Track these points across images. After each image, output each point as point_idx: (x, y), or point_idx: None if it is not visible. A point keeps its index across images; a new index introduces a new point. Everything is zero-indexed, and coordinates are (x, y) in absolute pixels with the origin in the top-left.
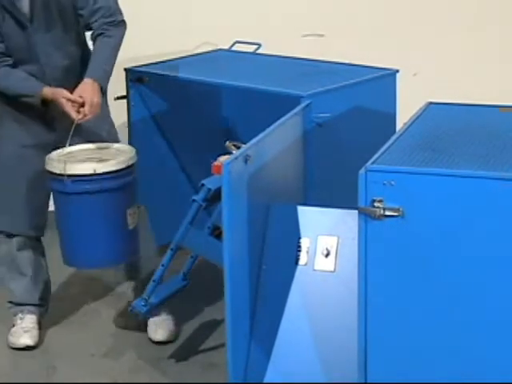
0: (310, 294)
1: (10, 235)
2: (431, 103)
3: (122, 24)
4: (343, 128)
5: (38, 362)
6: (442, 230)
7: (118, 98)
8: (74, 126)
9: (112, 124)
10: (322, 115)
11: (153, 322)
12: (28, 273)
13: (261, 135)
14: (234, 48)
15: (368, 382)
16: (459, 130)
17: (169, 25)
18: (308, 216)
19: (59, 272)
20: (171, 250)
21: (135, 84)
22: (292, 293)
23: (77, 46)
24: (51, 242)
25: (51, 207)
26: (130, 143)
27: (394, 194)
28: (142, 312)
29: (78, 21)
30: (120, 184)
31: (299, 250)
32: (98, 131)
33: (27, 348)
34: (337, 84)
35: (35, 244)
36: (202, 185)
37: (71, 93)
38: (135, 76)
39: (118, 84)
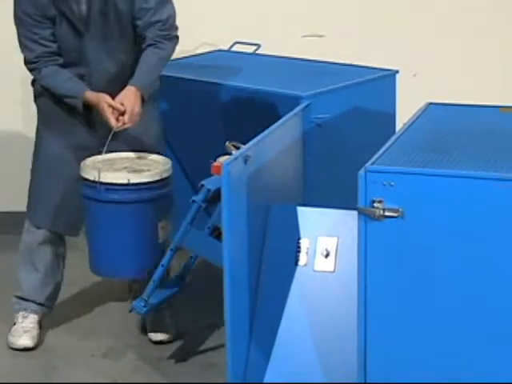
0: (309, 294)
1: (39, 226)
2: (431, 104)
3: (174, 39)
4: (343, 128)
5: (38, 362)
6: (442, 231)
7: None
8: (111, 133)
9: (158, 132)
10: (321, 116)
11: (152, 323)
12: (41, 270)
13: (260, 136)
14: (233, 48)
15: (367, 382)
16: (459, 130)
17: None
18: (308, 216)
19: None
20: (171, 250)
21: None
22: (292, 293)
23: (129, 54)
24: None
25: None
26: None
27: (394, 195)
28: (141, 312)
29: (135, 30)
30: (153, 196)
31: (299, 251)
32: (141, 138)
33: (26, 349)
34: (336, 84)
35: (58, 243)
36: (202, 185)
37: (114, 98)
38: None
39: None
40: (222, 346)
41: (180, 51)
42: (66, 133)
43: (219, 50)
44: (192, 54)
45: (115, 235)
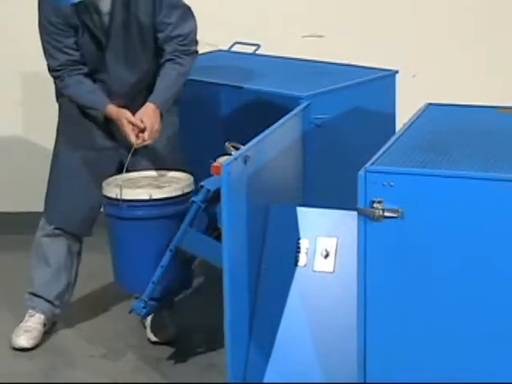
0: (309, 294)
1: (55, 226)
2: (430, 104)
3: (194, 54)
4: (343, 129)
5: (38, 362)
6: (442, 231)
7: None
8: (132, 150)
9: (175, 147)
10: (321, 116)
11: (152, 323)
12: (53, 265)
13: (260, 136)
14: (233, 49)
15: (367, 382)
16: (458, 130)
17: None
18: (307, 217)
19: None
20: (170, 251)
21: None
22: (291, 294)
23: (150, 65)
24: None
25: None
26: None
27: (394, 195)
28: (141, 313)
29: (156, 42)
30: (176, 211)
31: (298, 251)
32: (160, 153)
33: (24, 349)
34: (336, 85)
35: (72, 240)
36: (201, 186)
37: (134, 113)
38: None
39: None
40: (222, 346)
41: None
42: (86, 132)
43: (219, 50)
44: None
45: (138, 251)
